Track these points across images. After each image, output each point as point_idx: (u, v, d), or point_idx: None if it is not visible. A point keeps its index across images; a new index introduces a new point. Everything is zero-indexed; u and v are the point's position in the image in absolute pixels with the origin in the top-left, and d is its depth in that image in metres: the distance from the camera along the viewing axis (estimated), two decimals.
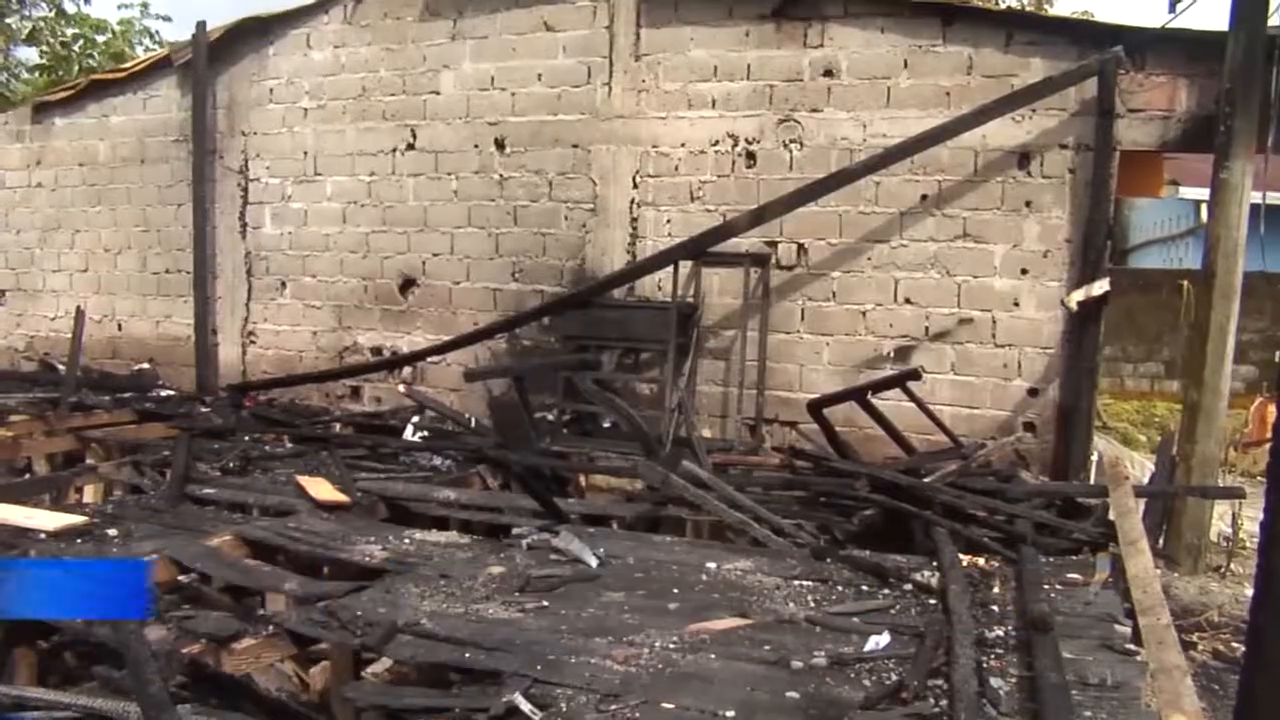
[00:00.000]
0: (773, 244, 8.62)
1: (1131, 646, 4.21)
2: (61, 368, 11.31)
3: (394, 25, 10.23)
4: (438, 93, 10.01)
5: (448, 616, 4.46)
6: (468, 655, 4.04)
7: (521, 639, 4.20)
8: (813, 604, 4.76)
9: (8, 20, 22.84)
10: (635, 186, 9.13)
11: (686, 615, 4.55)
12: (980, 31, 8.06)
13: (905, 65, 8.24)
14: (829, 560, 5.41)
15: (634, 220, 9.15)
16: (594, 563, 5.30)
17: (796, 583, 5.06)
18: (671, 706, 3.63)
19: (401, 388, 9.97)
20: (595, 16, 9.26)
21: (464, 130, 9.88)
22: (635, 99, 9.11)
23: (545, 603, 4.69)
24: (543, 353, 9.43)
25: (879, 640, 4.23)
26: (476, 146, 9.82)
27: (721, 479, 6.54)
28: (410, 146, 10.16)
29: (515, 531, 5.97)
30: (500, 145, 9.70)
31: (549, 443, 8.21)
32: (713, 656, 4.07)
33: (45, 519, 6.06)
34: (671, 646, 4.16)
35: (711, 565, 5.32)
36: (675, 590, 4.93)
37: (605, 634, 4.29)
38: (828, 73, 8.47)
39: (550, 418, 8.81)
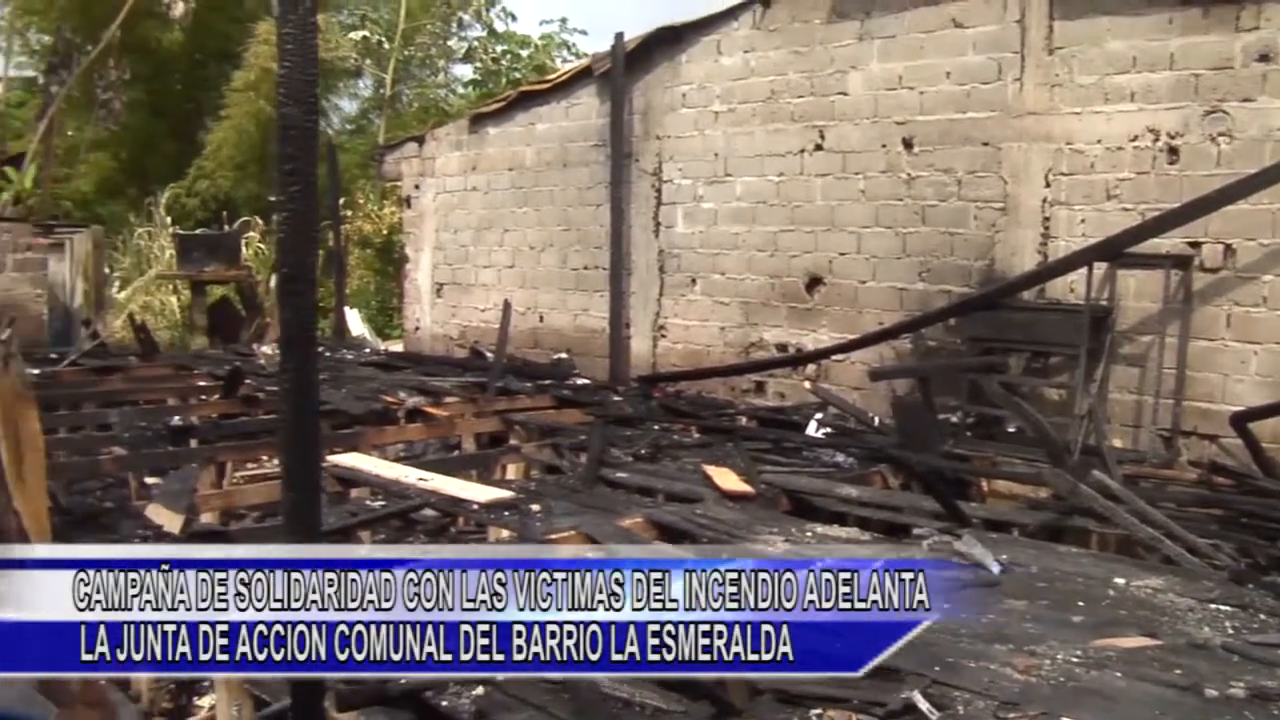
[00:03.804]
0: (1196, 244, 8.13)
1: None
2: (489, 355, 12.30)
3: (802, 28, 10.43)
4: (845, 93, 10.13)
5: None
6: None
7: (919, 638, 4.22)
8: (1231, 631, 4.52)
9: (448, 42, 25.02)
10: (1047, 185, 8.87)
11: (1091, 629, 4.45)
12: None
13: None
14: (1250, 585, 5.10)
15: (1046, 220, 8.90)
16: (996, 568, 5.26)
17: (1213, 606, 4.81)
18: None
19: (807, 384, 10.18)
20: (1006, 11, 9.07)
21: (871, 130, 9.94)
22: (1048, 94, 8.86)
23: (945, 605, 4.70)
24: (948, 354, 9.36)
25: None
26: (884, 146, 9.86)
27: (1132, 491, 6.30)
28: (818, 147, 10.34)
29: (916, 532, 6.00)
30: (908, 144, 9.70)
31: (951, 445, 8.16)
32: (1118, 675, 3.97)
33: (478, 492, 6.62)
34: (1074, 660, 4.10)
35: (1119, 581, 5.15)
36: (1080, 603, 4.82)
37: (1005, 641, 4.27)
38: (1263, 58, 7.86)
39: (954, 420, 8.76)
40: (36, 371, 10.31)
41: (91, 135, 23.02)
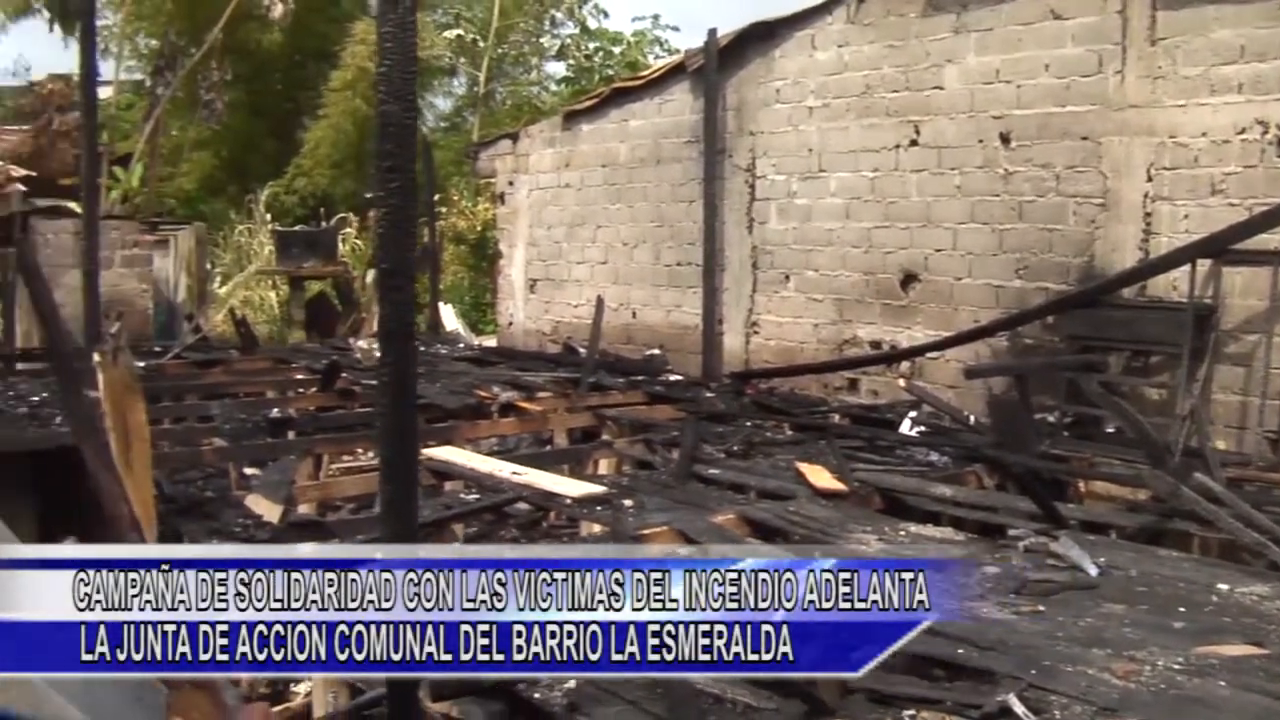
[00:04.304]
0: None
1: None
2: (582, 351, 12.34)
3: (896, 22, 10.32)
4: (941, 88, 9.99)
5: None
6: (960, 651, 4.09)
7: (1015, 641, 4.19)
8: None
9: (541, 40, 25.28)
10: (1149, 180, 8.67)
11: (1193, 636, 4.34)
12: None
13: None
14: None
15: (1147, 215, 8.70)
16: (1094, 571, 5.17)
17: None
18: None
19: (901, 382, 10.08)
20: (1106, 1, 8.87)
21: (967, 125, 9.80)
22: (1150, 87, 8.66)
23: (1041, 608, 4.64)
24: (1045, 352, 9.20)
25: None
26: (980, 141, 9.71)
27: (1236, 494, 6.14)
28: (913, 142, 10.22)
29: (1011, 533, 5.91)
30: (1005, 139, 9.54)
31: (1048, 445, 8.03)
32: (1221, 683, 3.87)
33: (571, 486, 6.66)
34: (1176, 667, 4.00)
35: (1223, 586, 5.02)
36: (1181, 609, 4.71)
37: (1103, 645, 4.19)
38: None
39: (1051, 419, 8.61)
40: (142, 364, 10.58)
41: (195, 135, 23.68)
